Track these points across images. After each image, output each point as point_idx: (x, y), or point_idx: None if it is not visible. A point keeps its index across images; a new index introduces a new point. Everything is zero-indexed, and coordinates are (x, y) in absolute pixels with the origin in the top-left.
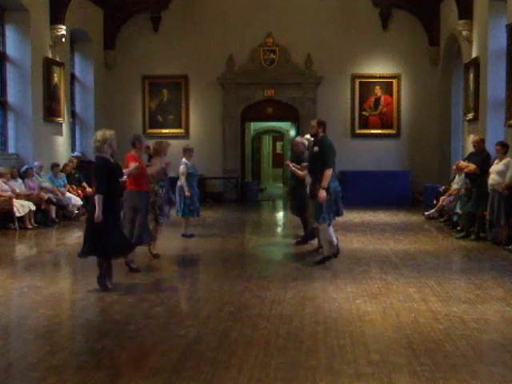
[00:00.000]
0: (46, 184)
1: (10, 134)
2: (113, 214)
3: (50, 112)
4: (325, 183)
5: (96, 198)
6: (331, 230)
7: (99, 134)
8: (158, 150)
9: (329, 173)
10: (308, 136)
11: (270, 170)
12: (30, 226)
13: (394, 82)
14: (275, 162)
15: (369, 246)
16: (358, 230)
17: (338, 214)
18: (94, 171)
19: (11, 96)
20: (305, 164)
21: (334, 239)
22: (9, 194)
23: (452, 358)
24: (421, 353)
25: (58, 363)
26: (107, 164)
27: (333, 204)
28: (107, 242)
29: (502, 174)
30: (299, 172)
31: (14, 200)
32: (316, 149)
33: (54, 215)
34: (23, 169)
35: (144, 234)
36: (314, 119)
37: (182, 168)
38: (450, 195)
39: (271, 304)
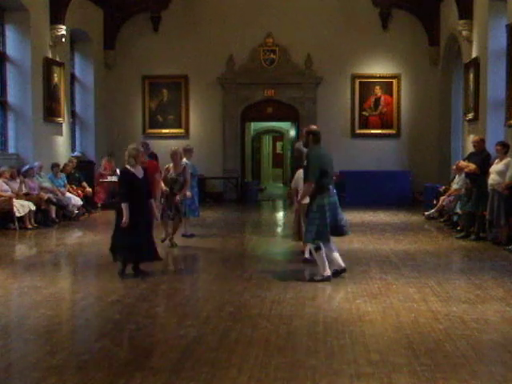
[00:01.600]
0: (46, 184)
1: (10, 133)
2: (133, 219)
3: (50, 112)
4: (301, 197)
5: (123, 205)
6: (323, 252)
7: (128, 149)
8: (173, 156)
9: (307, 187)
10: None
11: (270, 170)
12: (30, 226)
13: (394, 82)
14: (275, 161)
15: (369, 246)
16: (357, 230)
17: (337, 232)
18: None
19: (11, 96)
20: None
21: (326, 263)
22: (9, 193)
23: (452, 358)
24: (421, 353)
25: (58, 363)
26: (126, 175)
27: (324, 222)
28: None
29: (502, 173)
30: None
31: (14, 200)
32: (306, 162)
33: (54, 215)
34: (24, 169)
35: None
36: (305, 127)
37: None
38: (450, 195)
39: (271, 304)
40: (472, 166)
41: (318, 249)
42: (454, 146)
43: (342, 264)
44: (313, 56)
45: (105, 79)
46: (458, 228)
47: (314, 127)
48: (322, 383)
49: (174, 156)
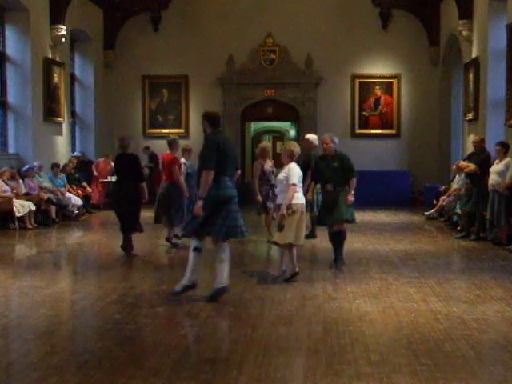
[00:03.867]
0: (46, 184)
1: (10, 134)
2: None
3: (50, 112)
4: (200, 191)
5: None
6: (192, 256)
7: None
8: (261, 153)
9: (205, 176)
10: (310, 136)
11: None
12: (30, 226)
13: (394, 82)
14: (275, 162)
15: (369, 246)
16: (358, 230)
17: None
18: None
19: (11, 96)
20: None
21: (190, 272)
22: (9, 194)
23: (452, 358)
24: (421, 353)
25: (58, 363)
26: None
27: (207, 217)
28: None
29: (502, 174)
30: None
31: (14, 200)
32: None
33: (54, 215)
34: (24, 169)
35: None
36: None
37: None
38: (449, 195)
39: (271, 304)
40: (472, 166)
41: (196, 249)
42: (453, 145)
43: (225, 281)
44: (313, 56)
45: (105, 79)
46: (458, 228)
47: (210, 111)
48: (321, 383)
49: (264, 152)
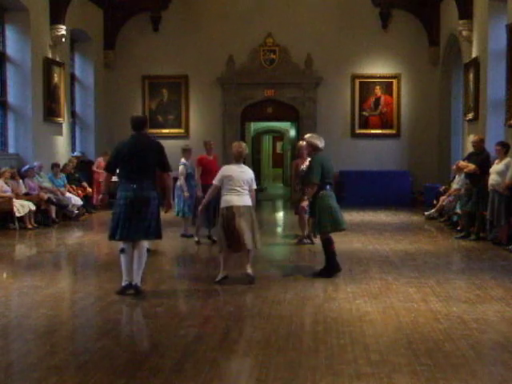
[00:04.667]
0: (46, 184)
1: (10, 134)
2: None
3: (50, 112)
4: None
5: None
6: (121, 258)
7: None
8: (298, 152)
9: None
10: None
11: (270, 170)
12: (30, 226)
13: (394, 82)
14: (275, 161)
15: (369, 246)
16: (358, 230)
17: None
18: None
19: (11, 96)
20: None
21: (124, 274)
22: (9, 194)
23: (452, 358)
24: (421, 353)
25: (58, 363)
26: None
27: (125, 220)
28: None
29: (502, 174)
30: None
31: (14, 200)
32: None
33: (54, 215)
34: (24, 169)
35: (206, 221)
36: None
37: (181, 168)
38: (450, 195)
39: (271, 304)
40: (471, 166)
41: (122, 251)
42: (453, 145)
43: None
44: (313, 56)
45: (105, 79)
46: (458, 228)
47: (135, 114)
48: (321, 383)
49: (301, 150)
